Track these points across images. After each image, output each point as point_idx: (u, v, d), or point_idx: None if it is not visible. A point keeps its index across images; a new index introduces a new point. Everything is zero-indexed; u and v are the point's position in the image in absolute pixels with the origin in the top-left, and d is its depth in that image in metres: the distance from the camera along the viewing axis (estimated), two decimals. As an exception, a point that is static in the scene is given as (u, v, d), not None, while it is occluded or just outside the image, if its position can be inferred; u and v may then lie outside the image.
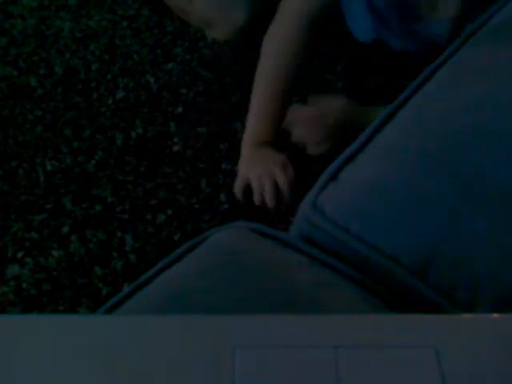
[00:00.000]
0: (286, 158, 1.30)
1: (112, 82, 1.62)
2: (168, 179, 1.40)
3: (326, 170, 0.77)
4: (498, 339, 0.49)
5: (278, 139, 1.32)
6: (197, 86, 1.59)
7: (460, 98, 0.79)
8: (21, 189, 1.40)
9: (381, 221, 0.72)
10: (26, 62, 1.69)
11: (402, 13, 1.31)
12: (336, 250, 0.72)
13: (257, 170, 1.28)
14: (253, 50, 1.39)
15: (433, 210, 0.70)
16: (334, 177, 0.76)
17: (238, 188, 1.30)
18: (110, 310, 0.69)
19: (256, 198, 1.27)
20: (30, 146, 1.48)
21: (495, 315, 0.53)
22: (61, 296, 1.22)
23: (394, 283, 0.70)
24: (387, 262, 0.69)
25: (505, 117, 0.75)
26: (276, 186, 1.26)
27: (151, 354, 0.48)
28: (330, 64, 1.51)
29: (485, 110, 0.77)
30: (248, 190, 1.29)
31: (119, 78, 1.63)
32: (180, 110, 1.54)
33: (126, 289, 0.72)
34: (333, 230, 0.72)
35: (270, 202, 1.24)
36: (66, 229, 1.32)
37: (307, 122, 1.37)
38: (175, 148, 1.46)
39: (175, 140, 1.48)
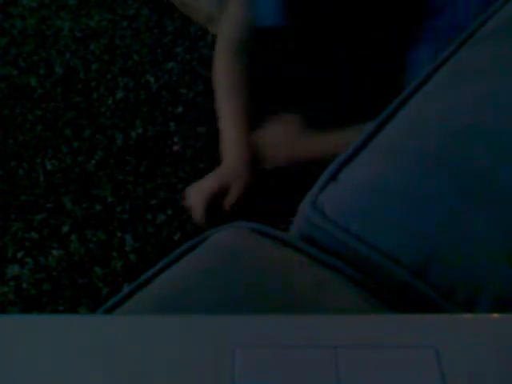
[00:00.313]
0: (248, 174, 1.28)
1: (112, 81, 1.62)
2: (168, 179, 1.40)
3: (326, 170, 0.77)
4: (498, 339, 0.49)
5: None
6: (197, 86, 1.59)
7: (460, 97, 0.79)
8: (21, 189, 1.40)
9: (381, 221, 0.72)
10: (26, 61, 1.69)
11: None
12: (336, 250, 0.72)
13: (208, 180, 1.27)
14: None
15: (433, 210, 0.70)
16: (333, 177, 0.76)
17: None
18: (110, 310, 0.69)
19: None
20: (30, 146, 1.48)
21: (495, 315, 0.53)
22: (61, 296, 1.22)
23: (393, 283, 0.70)
24: (387, 262, 0.69)
25: (505, 117, 0.75)
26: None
27: (151, 353, 0.48)
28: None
29: (485, 110, 0.77)
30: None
31: (119, 78, 1.63)
32: (180, 109, 1.54)
33: (126, 289, 0.72)
34: (333, 230, 0.72)
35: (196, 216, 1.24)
36: (65, 229, 1.32)
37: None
38: (175, 148, 1.46)
39: (175, 140, 1.48)
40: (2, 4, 1.86)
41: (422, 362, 0.47)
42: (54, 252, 1.28)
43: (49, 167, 1.43)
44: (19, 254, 1.28)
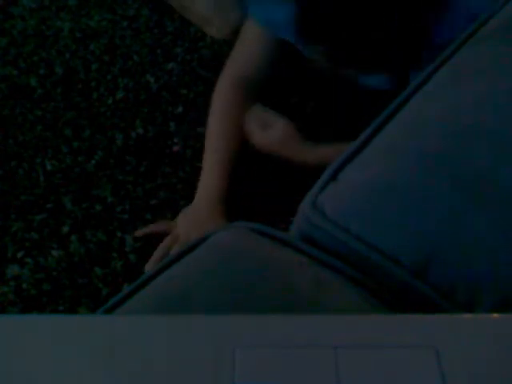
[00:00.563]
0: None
1: (112, 82, 1.62)
2: (168, 179, 1.40)
3: (326, 170, 0.77)
4: (498, 339, 0.49)
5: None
6: (197, 87, 1.59)
7: (460, 97, 0.79)
8: (21, 189, 1.40)
9: (381, 221, 0.72)
10: (26, 62, 1.69)
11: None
12: (336, 250, 0.72)
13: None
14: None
15: (433, 210, 0.70)
16: (333, 177, 0.76)
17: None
18: (110, 310, 0.69)
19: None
20: (30, 146, 1.48)
21: (495, 315, 0.53)
22: (61, 296, 1.22)
23: (393, 283, 0.70)
24: (387, 262, 0.69)
25: (505, 117, 0.75)
26: None
27: (151, 353, 0.48)
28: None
29: (485, 109, 0.77)
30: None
31: (119, 78, 1.63)
32: (180, 109, 1.54)
33: (126, 289, 0.72)
34: (333, 230, 0.72)
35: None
36: (65, 229, 1.32)
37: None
38: (175, 148, 1.46)
39: (175, 140, 1.48)
40: (2, 4, 1.86)
41: (422, 362, 0.47)
42: (54, 252, 1.28)
43: (49, 167, 1.43)
44: (19, 254, 1.28)
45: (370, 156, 0.77)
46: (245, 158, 1.32)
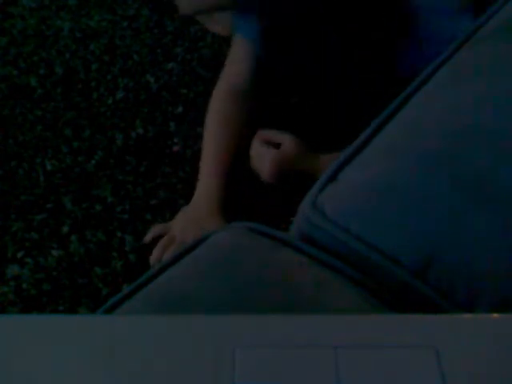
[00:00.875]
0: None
1: (112, 82, 1.62)
2: (168, 179, 1.40)
3: (326, 170, 0.77)
4: (498, 339, 0.49)
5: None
6: (197, 86, 1.59)
7: (460, 98, 0.79)
8: (21, 189, 1.40)
9: (381, 221, 0.72)
10: (26, 62, 1.69)
11: None
12: (336, 250, 0.72)
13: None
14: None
15: (433, 210, 0.70)
16: (333, 177, 0.76)
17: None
18: (110, 310, 0.69)
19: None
20: (30, 146, 1.48)
21: (495, 315, 0.53)
22: (61, 296, 1.22)
23: (393, 283, 0.70)
24: (387, 262, 0.69)
25: (505, 117, 0.75)
26: None
27: (151, 353, 0.48)
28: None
29: (485, 109, 0.77)
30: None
31: (119, 78, 1.63)
32: (180, 109, 1.54)
33: (126, 289, 0.72)
34: (333, 230, 0.72)
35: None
36: (65, 229, 1.32)
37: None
38: (175, 148, 1.46)
39: (175, 140, 1.48)
40: (2, 4, 1.86)
41: (422, 361, 0.47)
42: (54, 252, 1.28)
43: (49, 167, 1.43)
44: (19, 254, 1.28)
45: (370, 156, 0.77)
46: (243, 159, 1.33)
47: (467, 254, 0.68)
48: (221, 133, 1.35)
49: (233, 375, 0.46)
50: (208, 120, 1.37)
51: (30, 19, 1.81)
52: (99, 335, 0.50)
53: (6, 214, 1.36)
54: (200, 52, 1.68)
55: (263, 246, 0.74)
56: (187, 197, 1.33)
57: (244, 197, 1.31)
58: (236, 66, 1.41)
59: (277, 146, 1.32)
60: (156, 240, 1.27)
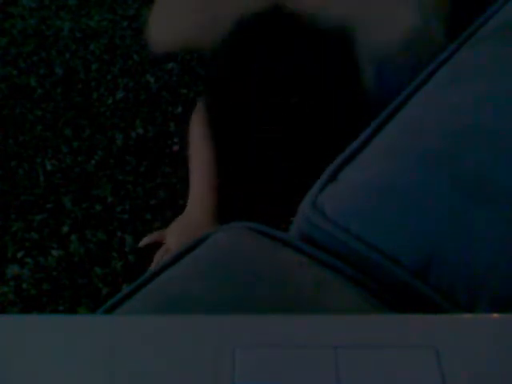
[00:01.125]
0: None
1: (112, 81, 1.62)
2: (168, 179, 1.40)
3: (326, 170, 0.77)
4: (498, 339, 0.49)
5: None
6: (197, 86, 1.59)
7: (460, 98, 0.79)
8: (21, 189, 1.40)
9: (381, 221, 0.72)
10: (26, 62, 1.69)
11: None
12: (336, 250, 0.72)
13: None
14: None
15: (433, 210, 0.70)
16: (333, 177, 0.76)
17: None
18: (110, 310, 0.69)
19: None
20: (30, 146, 1.48)
21: (495, 315, 0.53)
22: (61, 296, 1.22)
23: (394, 283, 0.70)
24: (387, 262, 0.69)
25: (505, 117, 0.75)
26: None
27: (151, 354, 0.48)
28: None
29: (485, 109, 0.77)
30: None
31: (119, 78, 1.63)
32: (180, 109, 1.54)
33: (126, 289, 0.72)
34: (333, 230, 0.72)
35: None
36: (65, 229, 1.32)
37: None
38: (175, 148, 1.46)
39: (175, 140, 1.48)
40: (2, 4, 1.86)
41: (422, 361, 0.47)
42: (54, 252, 1.28)
43: (49, 167, 1.43)
44: (19, 254, 1.28)
45: (370, 156, 0.77)
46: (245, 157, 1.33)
47: (467, 254, 0.68)
48: (207, 143, 1.35)
49: (233, 375, 0.46)
50: (193, 132, 1.37)
51: (30, 19, 1.81)
52: (99, 335, 0.50)
53: (6, 214, 1.36)
54: (200, 52, 1.68)
55: (263, 245, 0.74)
56: (187, 197, 1.33)
57: (244, 197, 1.31)
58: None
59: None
60: (150, 246, 1.27)
